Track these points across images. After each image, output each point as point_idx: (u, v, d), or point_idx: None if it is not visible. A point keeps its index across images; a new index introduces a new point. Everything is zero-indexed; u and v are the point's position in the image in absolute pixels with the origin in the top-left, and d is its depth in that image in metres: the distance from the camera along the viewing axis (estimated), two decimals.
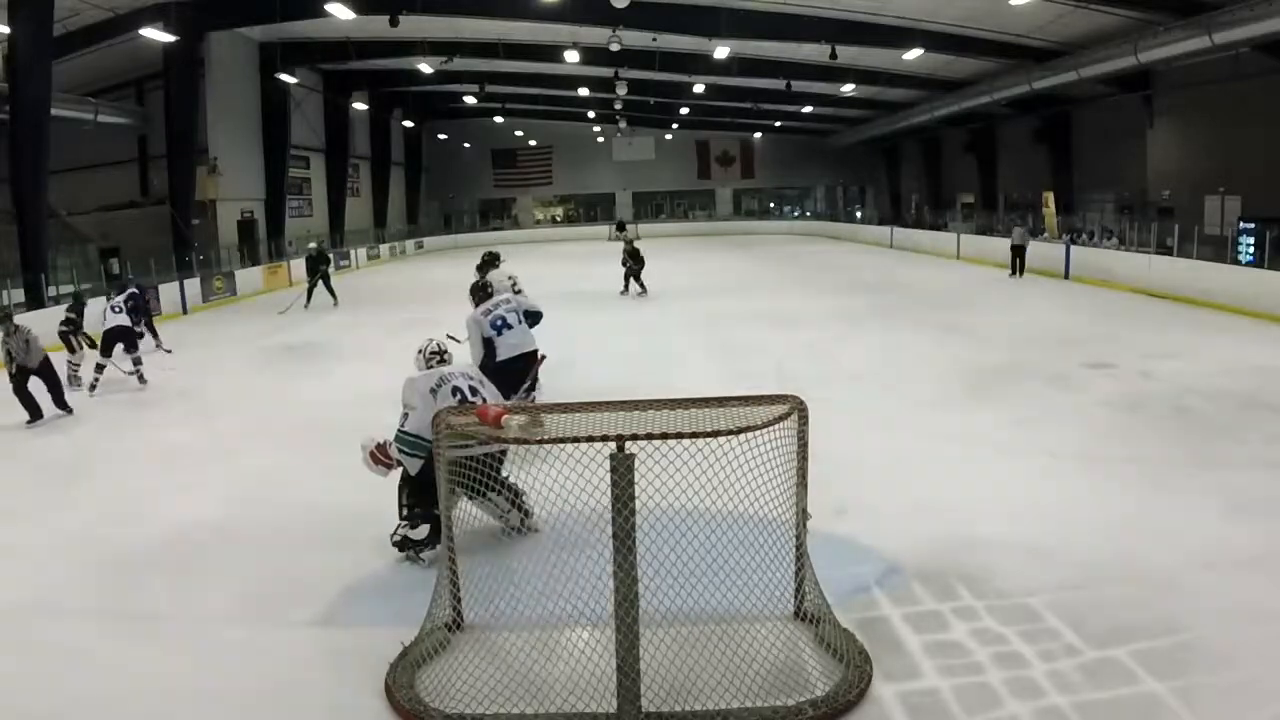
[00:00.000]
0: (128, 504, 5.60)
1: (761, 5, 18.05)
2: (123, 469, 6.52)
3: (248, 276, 19.82)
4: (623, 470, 3.00)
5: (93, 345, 9.73)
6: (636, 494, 3.00)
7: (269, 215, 24.19)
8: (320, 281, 16.50)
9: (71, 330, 9.92)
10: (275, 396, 8.98)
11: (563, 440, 3.13)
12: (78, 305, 10.32)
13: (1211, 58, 15.27)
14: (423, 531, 4.38)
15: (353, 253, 27.32)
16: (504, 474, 4.46)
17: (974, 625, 3.65)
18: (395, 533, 4.44)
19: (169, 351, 11.58)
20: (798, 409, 3.50)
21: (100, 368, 9.38)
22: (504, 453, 4.42)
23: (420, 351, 4.74)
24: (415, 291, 18.61)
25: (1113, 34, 16.55)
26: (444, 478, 3.53)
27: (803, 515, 3.61)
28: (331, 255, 17.70)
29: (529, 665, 3.40)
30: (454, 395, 4.39)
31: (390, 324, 13.87)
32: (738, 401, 3.63)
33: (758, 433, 3.35)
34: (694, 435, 3.15)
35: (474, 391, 4.50)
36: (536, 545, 4.22)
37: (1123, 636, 3.49)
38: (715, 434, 3.30)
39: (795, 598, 3.72)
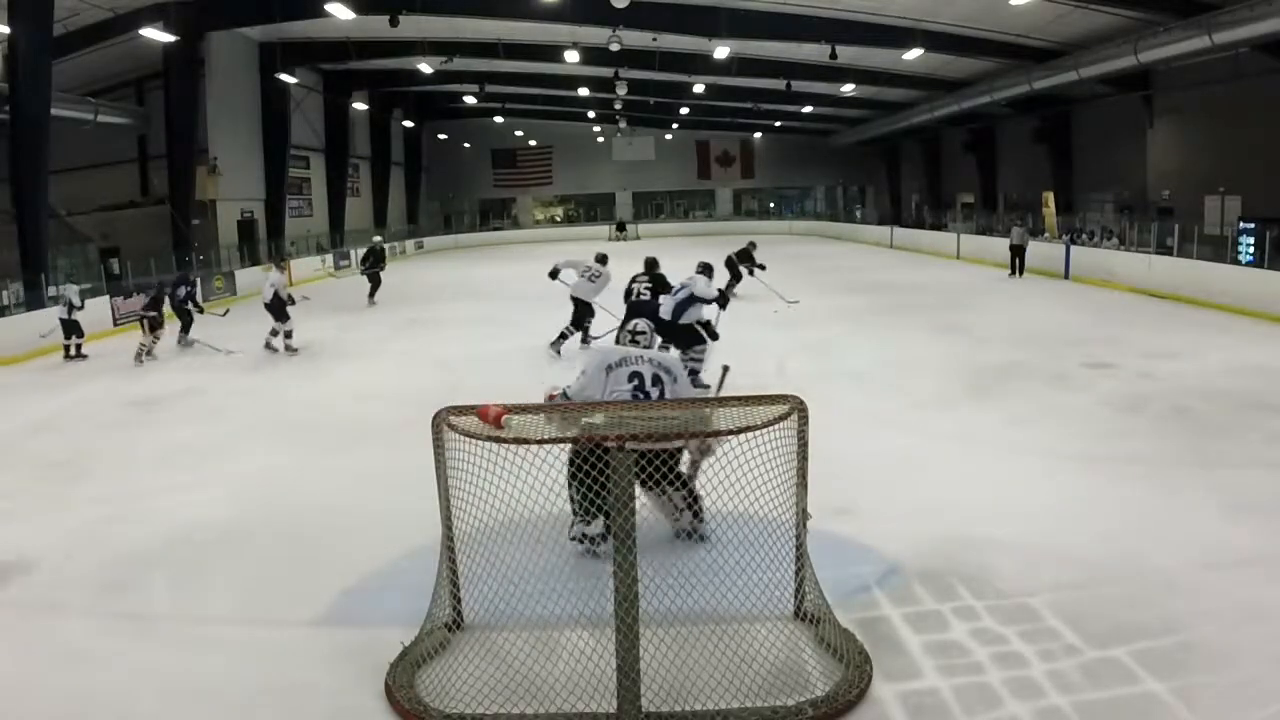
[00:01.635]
0: (128, 504, 5.60)
1: (761, 5, 18.05)
2: (123, 469, 6.52)
3: (248, 276, 19.83)
4: (623, 470, 3.00)
5: (159, 325, 11.39)
6: (637, 494, 3.00)
7: (269, 215, 24.18)
8: (367, 276, 16.85)
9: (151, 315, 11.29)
10: (275, 396, 8.98)
11: (563, 440, 3.13)
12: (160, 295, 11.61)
13: (1211, 58, 15.27)
14: (597, 526, 4.29)
15: (353, 253, 27.26)
16: (681, 470, 4.26)
17: (974, 625, 3.65)
18: (572, 528, 4.37)
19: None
20: (798, 409, 3.50)
21: (273, 332, 11.28)
22: (680, 449, 4.22)
23: (623, 324, 4.84)
24: (415, 291, 18.60)
25: (1113, 34, 16.55)
26: (442, 473, 3.52)
27: (803, 515, 3.61)
28: (385, 249, 18.31)
29: (529, 665, 3.39)
30: (629, 380, 4.25)
31: (391, 324, 13.88)
32: (738, 401, 3.64)
33: (758, 433, 3.35)
34: (694, 435, 3.16)
35: (656, 381, 4.27)
36: (536, 545, 4.22)
37: (1123, 636, 3.48)
38: (715, 434, 3.30)
39: (795, 598, 3.71)
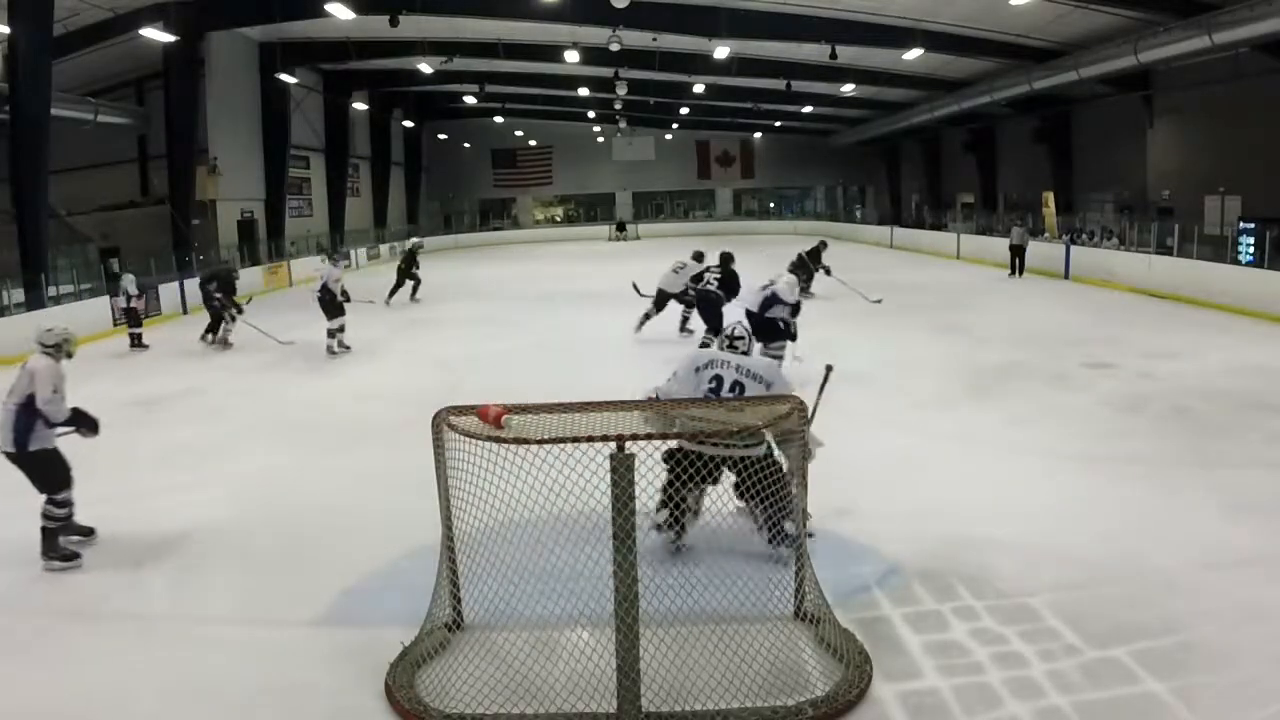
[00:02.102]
0: (128, 504, 5.60)
1: (761, 5, 18.05)
2: (123, 469, 6.51)
3: (248, 276, 19.71)
4: (623, 470, 3.00)
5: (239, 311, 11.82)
6: (636, 494, 3.00)
7: (269, 215, 24.17)
8: (405, 277, 16.50)
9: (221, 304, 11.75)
10: (275, 396, 8.98)
11: (563, 440, 3.13)
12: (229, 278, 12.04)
13: (1211, 58, 15.26)
14: (662, 515, 4.17)
15: (353, 253, 27.29)
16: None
17: (974, 625, 3.65)
18: (657, 512, 4.25)
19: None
20: (798, 409, 3.50)
21: (329, 333, 11.06)
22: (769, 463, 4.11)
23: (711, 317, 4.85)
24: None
25: (1113, 34, 16.54)
26: (442, 473, 3.52)
27: (803, 515, 3.61)
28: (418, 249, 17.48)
29: (529, 665, 3.40)
30: (710, 382, 4.23)
31: (391, 324, 13.87)
32: (738, 402, 3.64)
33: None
34: (694, 435, 3.16)
35: (735, 387, 4.20)
36: (536, 545, 4.21)
37: (1123, 636, 3.49)
38: (715, 434, 3.29)
39: (795, 598, 3.72)
